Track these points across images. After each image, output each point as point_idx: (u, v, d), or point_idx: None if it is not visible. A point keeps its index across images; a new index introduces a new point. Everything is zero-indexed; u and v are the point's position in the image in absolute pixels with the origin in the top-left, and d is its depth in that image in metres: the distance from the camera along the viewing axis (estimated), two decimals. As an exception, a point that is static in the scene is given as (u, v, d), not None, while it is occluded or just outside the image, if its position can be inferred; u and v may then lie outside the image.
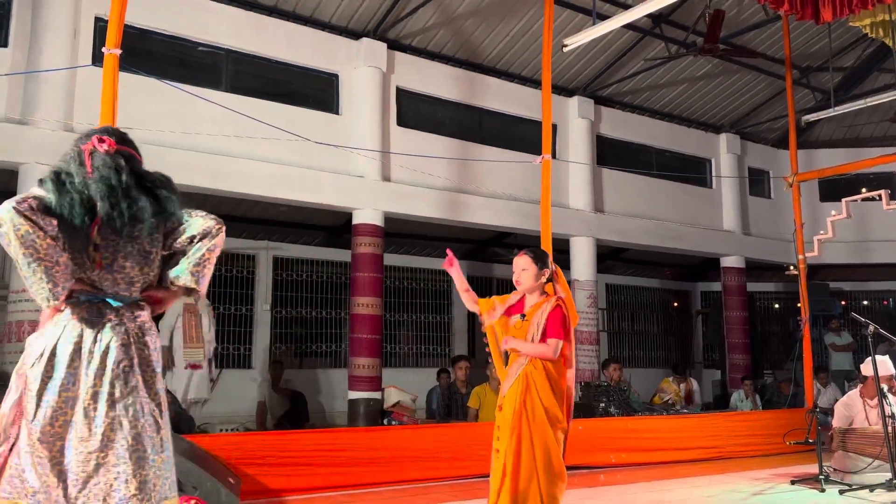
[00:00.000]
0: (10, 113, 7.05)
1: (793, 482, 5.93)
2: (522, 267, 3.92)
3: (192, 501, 3.74)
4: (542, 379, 3.75)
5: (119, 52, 4.91)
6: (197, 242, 2.49)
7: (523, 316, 3.90)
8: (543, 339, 3.78)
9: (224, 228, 2.55)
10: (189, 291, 2.49)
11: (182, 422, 5.08)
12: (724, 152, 12.83)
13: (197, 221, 2.51)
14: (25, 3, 7.31)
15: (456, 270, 4.07)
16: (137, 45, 7.51)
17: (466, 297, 4.09)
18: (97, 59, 7.30)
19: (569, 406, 3.83)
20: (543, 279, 3.93)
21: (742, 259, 12.53)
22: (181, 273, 2.47)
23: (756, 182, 13.43)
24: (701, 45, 9.59)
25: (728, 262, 12.52)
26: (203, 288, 2.50)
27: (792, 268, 8.81)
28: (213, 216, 2.56)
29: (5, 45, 7.23)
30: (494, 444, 3.80)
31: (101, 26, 7.49)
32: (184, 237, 2.48)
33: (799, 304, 8.75)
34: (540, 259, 3.95)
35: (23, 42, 7.27)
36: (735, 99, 12.23)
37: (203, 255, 2.50)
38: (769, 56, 10.91)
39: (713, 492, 5.60)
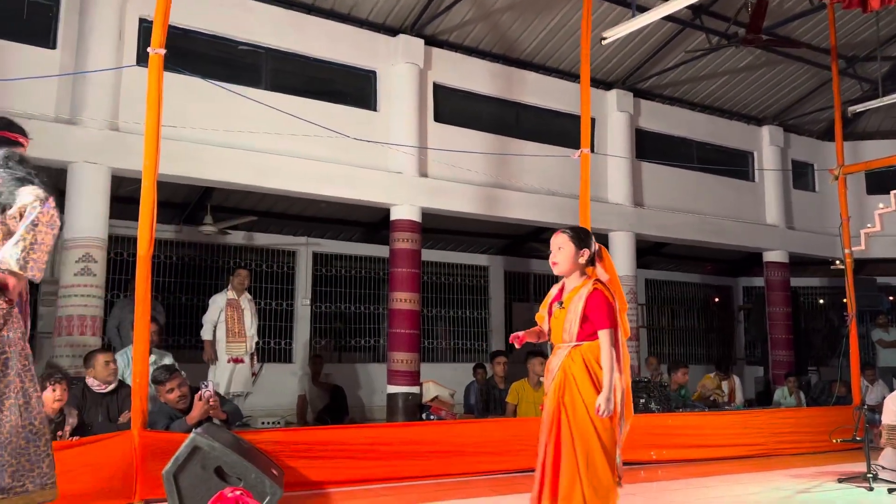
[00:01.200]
0: (60, 113, 7.24)
1: (840, 480, 5.81)
2: (559, 245, 3.58)
3: (238, 492, 3.81)
4: (581, 372, 3.43)
5: (163, 51, 5.01)
6: (21, 221, 2.37)
7: (561, 304, 3.57)
8: (583, 327, 3.45)
9: (47, 203, 2.34)
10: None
11: (232, 415, 5.17)
12: (766, 145, 12.59)
13: (22, 196, 2.39)
14: (73, 6, 7.49)
15: (525, 338, 3.70)
16: (180, 45, 7.64)
17: (541, 334, 3.73)
18: (142, 59, 7.45)
19: (625, 406, 3.44)
20: (583, 260, 3.56)
21: (785, 254, 12.29)
22: (5, 256, 2.36)
23: (800, 175, 13.15)
24: (743, 35, 9.42)
25: (771, 256, 12.29)
26: (30, 274, 2.32)
27: (838, 262, 8.61)
28: (40, 187, 2.39)
29: (54, 46, 7.41)
30: (539, 448, 3.54)
31: (145, 27, 7.65)
32: (13, 212, 2.38)
33: (845, 300, 8.56)
34: (579, 237, 3.59)
35: (70, 44, 7.45)
36: (778, 90, 11.99)
37: (21, 235, 2.35)
38: (814, 46, 10.67)
39: (756, 489, 5.52)
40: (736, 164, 12.35)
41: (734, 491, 5.48)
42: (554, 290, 3.74)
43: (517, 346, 3.74)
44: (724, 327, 15.00)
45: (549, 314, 3.67)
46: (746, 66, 11.22)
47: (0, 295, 2.45)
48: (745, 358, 14.70)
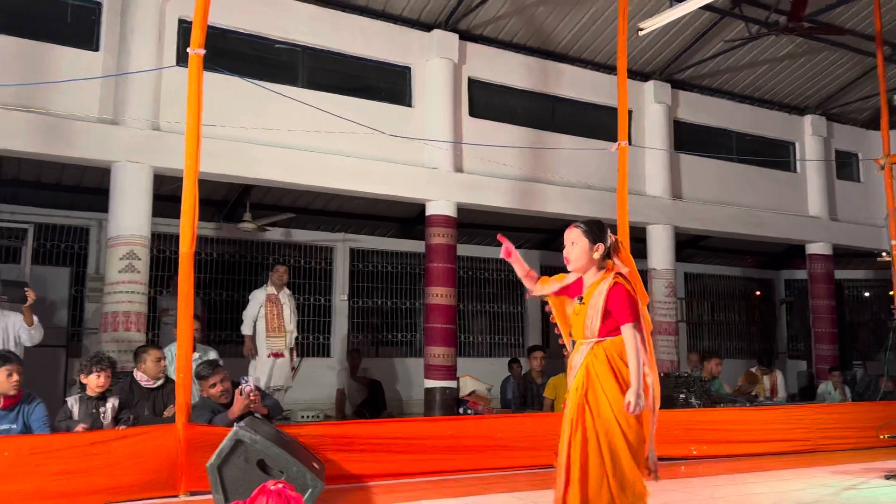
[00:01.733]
0: (103, 114, 7.40)
1: (887, 477, 5.68)
2: (572, 240, 3.42)
3: (280, 485, 3.86)
4: (604, 369, 3.28)
5: (203, 52, 5.09)
6: None
7: (580, 300, 3.42)
8: (605, 322, 3.30)
9: None
10: None
11: (272, 409, 5.25)
12: (808, 135, 12.32)
13: None
14: (114, 9, 7.65)
15: (515, 258, 3.62)
16: (218, 45, 7.74)
17: (528, 281, 3.64)
18: (181, 59, 7.59)
19: (654, 400, 3.31)
20: (597, 255, 3.40)
21: (829, 246, 12.03)
22: None
23: (844, 165, 12.85)
24: (784, 23, 9.22)
25: (814, 248, 12.03)
26: None
27: (884, 254, 8.42)
28: None
29: (97, 49, 7.58)
30: (558, 447, 3.37)
31: (184, 28, 7.77)
32: None
33: (891, 293, 8.35)
34: (592, 231, 3.43)
35: (112, 46, 7.61)
36: (821, 79, 11.72)
37: None
38: (858, 32, 10.39)
39: (801, 486, 5.43)
40: (777, 155, 12.11)
41: (777, 487, 5.39)
42: (570, 278, 3.56)
43: (507, 255, 3.61)
44: (766, 321, 14.74)
45: (564, 300, 3.54)
46: (787, 54, 10.99)
47: None
48: (787, 352, 14.43)
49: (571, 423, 3.30)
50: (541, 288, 3.61)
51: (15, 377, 4.68)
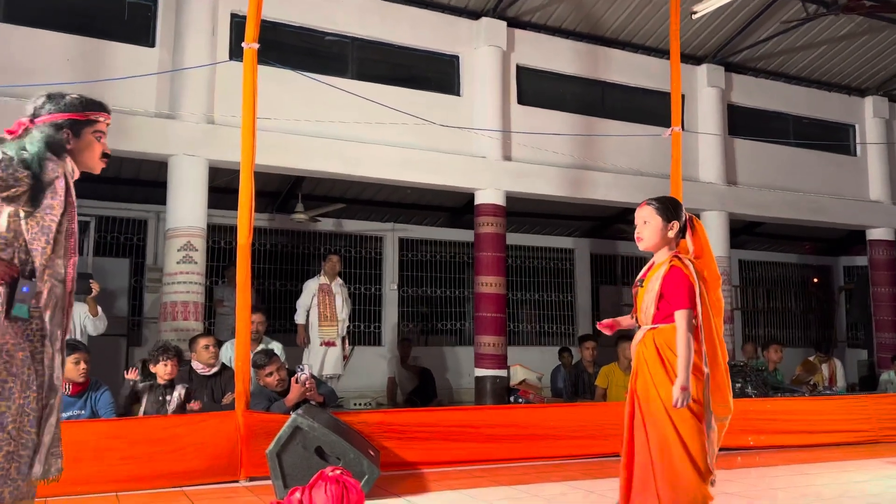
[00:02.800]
0: (160, 108, 7.58)
1: (955, 470, 5.51)
2: (644, 219, 3.27)
3: (338, 471, 3.93)
4: (653, 358, 3.13)
5: (257, 45, 5.17)
6: None
7: (641, 282, 3.28)
8: (659, 307, 3.16)
9: None
10: None
11: (328, 397, 5.35)
12: (869, 116, 11.91)
13: None
14: (169, 5, 7.81)
15: (615, 326, 3.49)
16: (270, 38, 7.84)
17: (628, 320, 3.49)
18: (234, 54, 7.72)
19: (717, 390, 3.15)
20: (672, 233, 3.23)
21: (891, 231, 11.64)
22: None
23: (907, 148, 12.41)
24: (844, 2, 8.93)
25: (875, 234, 11.66)
26: None
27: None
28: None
29: (153, 45, 7.76)
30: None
31: (237, 22, 7.90)
32: None
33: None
34: (667, 208, 3.25)
35: (168, 42, 7.78)
36: (882, 58, 11.30)
37: None
38: (922, 9, 10.00)
39: (864, 477, 5.30)
40: (836, 138, 11.75)
41: (839, 479, 5.27)
42: (645, 268, 3.41)
43: (608, 333, 3.52)
44: (824, 309, 14.35)
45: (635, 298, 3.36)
46: (847, 34, 10.63)
47: None
48: (846, 341, 14.04)
49: (625, 418, 3.22)
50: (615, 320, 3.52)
51: (83, 365, 4.86)
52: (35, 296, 2.37)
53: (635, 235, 3.33)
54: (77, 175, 2.62)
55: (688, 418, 3.02)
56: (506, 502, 4.43)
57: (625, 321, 3.49)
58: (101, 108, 2.65)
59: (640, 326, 3.31)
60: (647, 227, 3.26)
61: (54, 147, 2.49)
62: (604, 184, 9.57)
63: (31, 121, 2.52)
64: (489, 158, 9.01)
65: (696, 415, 3.03)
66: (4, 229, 2.38)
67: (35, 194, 2.41)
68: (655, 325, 3.18)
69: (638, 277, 3.38)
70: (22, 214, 2.40)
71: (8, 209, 2.38)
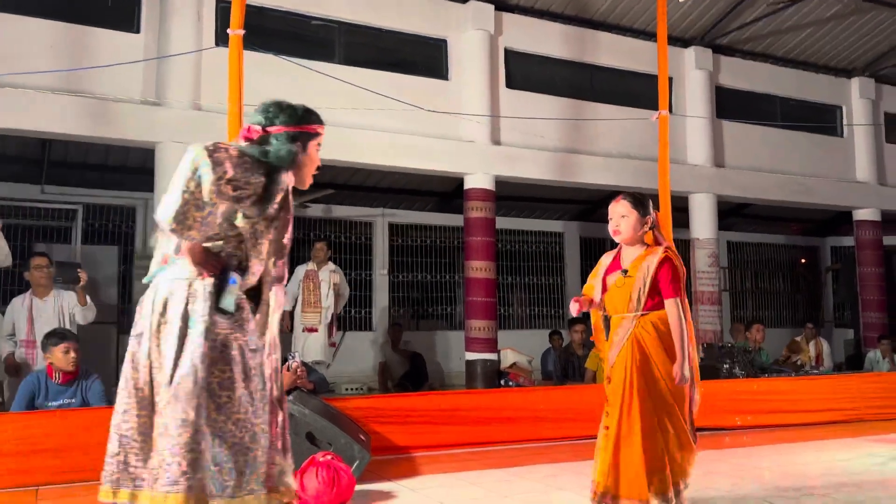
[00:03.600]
0: (146, 95, 7.53)
1: (937, 447, 5.61)
2: (622, 213, 3.50)
3: (328, 456, 3.97)
4: (654, 343, 3.38)
5: (243, 32, 5.14)
6: None
7: (625, 272, 3.48)
8: (651, 296, 3.39)
9: (189, 150, 2.35)
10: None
11: (318, 384, 5.36)
12: (856, 98, 11.96)
13: None
14: (154, -9, 7.74)
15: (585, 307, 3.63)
16: (255, 23, 7.76)
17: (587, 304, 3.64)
18: (220, 39, 7.67)
19: (695, 371, 3.43)
20: (645, 228, 3.50)
21: (877, 211, 11.73)
22: None
23: (893, 128, 12.46)
24: (830, -17, 8.93)
25: (862, 214, 11.75)
26: (159, 216, 2.32)
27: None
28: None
29: (138, 31, 7.69)
30: (603, 421, 3.49)
31: (222, 7, 7.83)
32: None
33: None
34: (641, 204, 3.51)
35: (153, 28, 7.71)
36: (869, 39, 11.32)
37: None
38: (909, -10, 10.04)
39: (847, 456, 5.38)
40: (823, 120, 11.80)
41: (823, 457, 5.35)
42: (605, 261, 3.65)
43: (580, 310, 3.61)
44: (811, 289, 14.48)
45: (604, 285, 3.57)
46: (834, 15, 10.64)
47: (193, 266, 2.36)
48: (833, 320, 14.18)
49: (624, 397, 3.37)
50: (594, 305, 3.63)
51: (72, 354, 4.85)
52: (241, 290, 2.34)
53: (612, 229, 3.54)
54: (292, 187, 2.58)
55: (681, 395, 3.40)
56: (497, 484, 4.48)
57: (585, 304, 3.63)
58: (322, 120, 2.67)
59: (605, 314, 3.58)
60: (626, 221, 3.49)
61: (291, 159, 2.50)
62: (593, 167, 9.58)
63: (265, 129, 2.51)
64: (478, 143, 9.00)
65: (686, 392, 3.43)
66: (218, 224, 2.34)
67: (261, 202, 2.39)
68: (647, 312, 3.42)
69: (599, 268, 3.64)
70: (239, 216, 2.36)
71: (225, 205, 2.33)
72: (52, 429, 4.52)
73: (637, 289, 3.42)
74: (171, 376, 2.24)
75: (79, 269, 5.99)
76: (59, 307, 5.94)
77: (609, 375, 3.49)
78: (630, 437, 3.33)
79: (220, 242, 2.36)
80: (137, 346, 2.30)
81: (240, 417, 2.25)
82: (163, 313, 2.29)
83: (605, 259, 3.67)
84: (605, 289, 3.59)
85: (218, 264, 2.35)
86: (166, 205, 2.30)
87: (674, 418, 3.38)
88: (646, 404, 3.35)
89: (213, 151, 2.34)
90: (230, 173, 2.32)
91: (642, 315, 3.42)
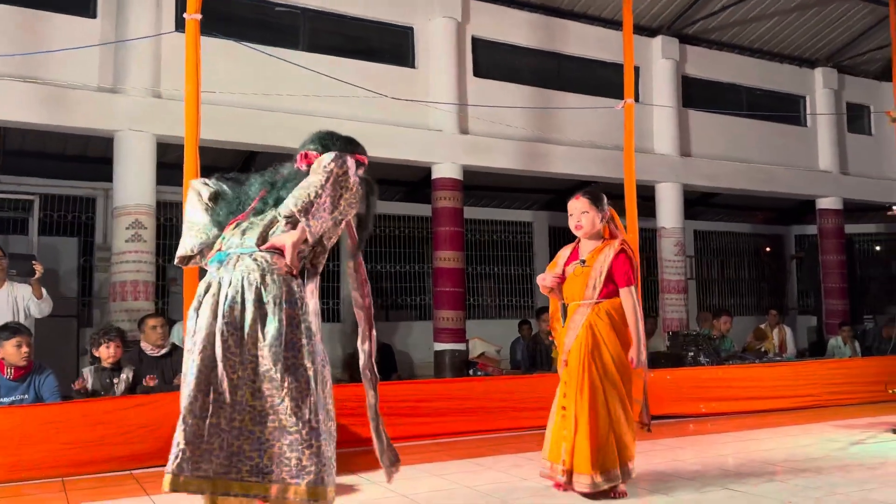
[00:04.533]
0: (103, 82, 7.34)
1: (895, 431, 5.69)
2: (582, 210, 3.76)
3: (289, 450, 3.89)
4: (607, 328, 3.64)
5: (199, 16, 5.01)
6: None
7: (583, 262, 3.75)
8: (607, 285, 3.65)
9: (342, 158, 2.59)
10: None
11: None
12: (819, 88, 12.11)
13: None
14: (110, -26, 7.53)
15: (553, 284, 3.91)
16: (218, 9, 7.62)
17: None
18: (180, 25, 7.47)
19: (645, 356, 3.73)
20: (604, 222, 3.79)
21: (840, 200, 11.91)
22: (286, 202, 2.59)
23: (855, 118, 12.65)
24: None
25: (824, 203, 11.92)
26: (308, 222, 2.49)
27: (895, 208, 8.32)
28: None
29: (94, 16, 7.49)
30: (560, 402, 3.74)
31: (182, -8, 7.65)
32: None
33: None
34: (599, 200, 3.79)
35: (110, 12, 7.52)
36: (832, 30, 11.47)
37: (306, 182, 2.61)
38: (870, -19, 10.15)
39: (808, 441, 5.45)
40: (787, 109, 11.93)
41: (786, 443, 5.41)
42: (564, 253, 3.91)
43: (547, 286, 3.87)
44: (776, 277, 14.68)
45: (563, 276, 3.83)
46: (798, 5, 10.75)
47: (280, 259, 2.49)
48: (797, 308, 14.40)
49: (577, 379, 3.63)
50: (554, 295, 3.92)
51: (24, 348, 4.71)
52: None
53: (574, 225, 3.80)
54: None
55: (630, 378, 3.69)
56: (461, 475, 4.45)
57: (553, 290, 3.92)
58: (366, 151, 2.87)
59: (563, 302, 3.84)
60: (586, 218, 3.76)
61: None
62: (560, 157, 9.58)
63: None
64: (445, 132, 8.94)
65: (635, 376, 3.74)
66: (315, 236, 2.49)
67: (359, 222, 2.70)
68: (601, 300, 3.69)
69: (559, 260, 3.91)
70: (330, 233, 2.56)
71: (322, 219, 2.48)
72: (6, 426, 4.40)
73: (594, 278, 3.67)
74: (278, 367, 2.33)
75: (34, 262, 5.82)
76: (13, 300, 5.77)
77: (566, 359, 3.73)
78: (582, 416, 3.58)
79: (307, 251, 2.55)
80: (225, 334, 2.36)
81: (329, 409, 2.42)
82: (259, 303, 2.39)
83: (564, 251, 3.92)
84: (563, 279, 3.83)
85: (295, 266, 2.52)
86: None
87: (622, 401, 3.63)
88: (596, 387, 3.60)
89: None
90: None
91: (597, 303, 3.67)
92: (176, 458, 2.25)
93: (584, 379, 3.61)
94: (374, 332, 2.79)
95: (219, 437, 2.29)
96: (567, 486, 3.69)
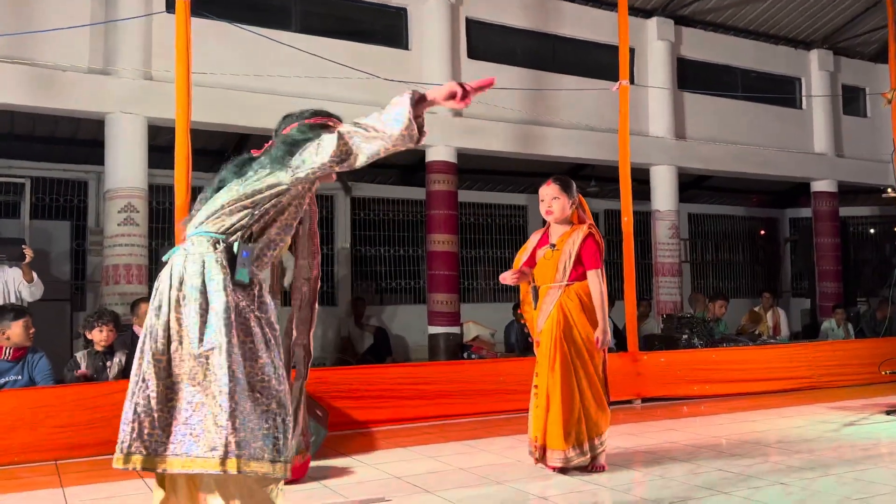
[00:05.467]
0: (93, 64, 7.26)
1: (888, 412, 5.72)
2: (553, 196, 3.90)
3: (283, 433, 3.88)
4: (577, 309, 3.82)
5: (190, -4, 4.94)
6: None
7: (553, 246, 3.90)
8: (576, 268, 3.83)
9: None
10: None
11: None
12: (815, 70, 12.06)
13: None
14: (100, -46, 7.43)
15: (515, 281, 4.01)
16: (208, -10, 7.55)
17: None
18: (170, 5, 7.37)
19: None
20: (572, 207, 3.94)
21: (834, 183, 11.90)
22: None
23: (850, 100, 12.61)
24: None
25: (819, 186, 11.91)
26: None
27: (890, 190, 8.32)
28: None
29: (84, -4, 7.38)
30: (534, 381, 3.90)
31: (172, -28, 7.55)
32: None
33: (896, 229, 8.29)
34: (569, 187, 3.95)
35: (100, -8, 7.42)
36: (828, 11, 11.40)
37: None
38: (867, -39, 10.08)
39: (802, 423, 5.47)
40: (783, 92, 11.89)
41: (779, 425, 5.44)
42: (535, 238, 4.05)
43: (514, 282, 3.98)
44: (770, 260, 14.70)
45: (533, 259, 3.98)
46: (795, -14, 10.68)
47: (221, 238, 2.35)
48: (791, 290, 14.44)
49: (549, 358, 3.80)
50: (524, 281, 4.06)
51: (31, 329, 4.75)
52: (255, 260, 2.35)
53: (544, 210, 3.93)
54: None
55: (600, 356, 3.87)
56: (455, 457, 4.45)
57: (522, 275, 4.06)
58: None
59: (534, 285, 3.98)
60: (557, 203, 3.90)
61: None
62: (555, 139, 9.54)
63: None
64: (439, 114, 8.87)
65: (603, 353, 3.90)
66: (248, 194, 2.34)
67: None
68: (571, 283, 3.86)
69: (529, 245, 4.06)
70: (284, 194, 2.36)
71: (274, 177, 2.35)
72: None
73: (563, 261, 3.84)
74: (197, 347, 2.25)
75: (24, 246, 5.78)
76: (4, 284, 5.75)
77: (538, 340, 3.91)
78: (554, 394, 3.75)
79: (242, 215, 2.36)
80: (156, 319, 2.31)
81: (265, 385, 2.28)
82: (179, 287, 2.31)
83: (534, 237, 4.07)
84: (534, 263, 3.98)
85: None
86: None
87: (591, 379, 3.82)
88: (567, 365, 3.77)
89: None
90: None
91: (567, 285, 3.85)
92: (127, 435, 2.26)
93: (555, 357, 3.77)
94: (316, 307, 2.78)
95: (163, 414, 2.28)
96: (540, 461, 3.86)
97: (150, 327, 2.32)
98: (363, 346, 9.78)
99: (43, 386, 4.73)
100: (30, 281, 5.75)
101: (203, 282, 2.29)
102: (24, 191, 8.54)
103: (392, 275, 11.48)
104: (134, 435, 2.22)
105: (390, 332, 10.22)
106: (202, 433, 2.20)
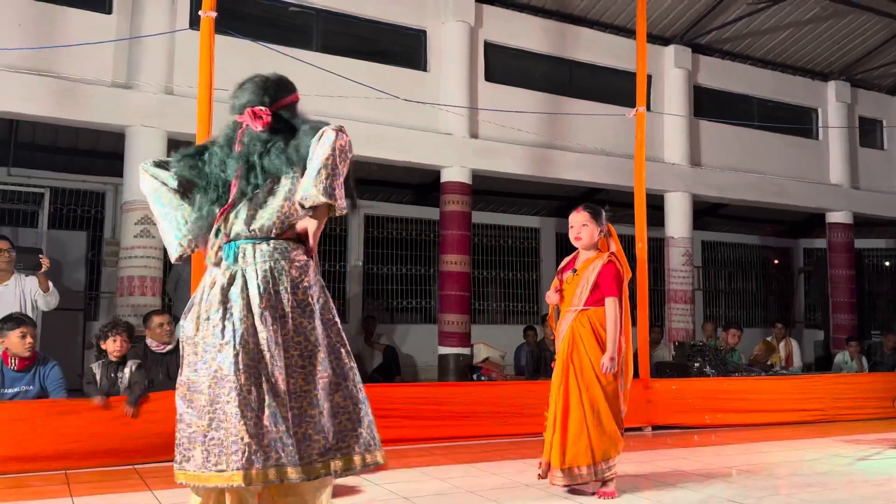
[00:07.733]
0: (116, 78, 7.37)
1: (902, 448, 5.65)
2: (582, 223, 3.98)
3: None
4: (588, 334, 3.87)
5: (215, 14, 5.02)
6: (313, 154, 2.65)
7: (575, 271, 3.98)
8: (593, 293, 3.86)
9: (340, 132, 2.60)
10: None
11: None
12: (832, 101, 12.06)
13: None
14: (127, -30, 7.56)
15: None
16: (232, 8, 7.64)
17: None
18: (194, 22, 7.49)
19: (625, 363, 3.90)
20: (601, 235, 4.01)
21: (850, 214, 11.85)
22: (307, 192, 2.53)
23: (868, 132, 12.59)
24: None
25: (834, 217, 11.86)
26: (339, 204, 2.48)
27: (906, 223, 8.27)
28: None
29: (109, 11, 7.51)
30: (549, 401, 3.98)
31: (197, -10, 7.68)
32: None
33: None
34: (598, 215, 4.01)
35: (125, 8, 7.55)
36: (846, 43, 11.42)
37: (319, 164, 2.59)
38: (886, -5, 10.11)
39: (814, 455, 5.40)
40: (799, 122, 11.88)
41: (791, 457, 5.37)
42: (565, 262, 4.14)
43: (556, 302, 4.09)
44: (783, 290, 14.61)
45: (561, 283, 4.06)
46: (812, 17, 10.71)
47: (298, 245, 2.50)
48: (804, 321, 14.33)
49: (559, 379, 3.88)
50: (552, 300, 4.14)
51: (29, 339, 4.72)
52: None
53: (573, 236, 4.01)
54: None
55: (611, 382, 3.86)
56: (464, 479, 4.43)
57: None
58: None
59: (560, 308, 4.05)
60: (586, 230, 3.98)
61: None
62: (570, 163, 9.56)
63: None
64: (455, 135, 8.93)
65: (616, 382, 3.88)
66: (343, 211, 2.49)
67: None
68: (587, 307, 3.90)
69: (560, 266, 4.14)
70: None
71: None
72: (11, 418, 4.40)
73: (581, 286, 3.90)
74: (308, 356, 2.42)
75: (40, 255, 5.84)
76: (21, 293, 5.78)
77: (553, 361, 4.02)
78: (559, 414, 3.83)
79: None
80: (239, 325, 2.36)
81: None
82: (280, 289, 2.41)
83: (565, 261, 4.15)
84: (561, 286, 4.06)
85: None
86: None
87: (598, 404, 3.82)
88: (572, 388, 3.83)
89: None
90: None
91: (583, 310, 3.90)
92: (243, 453, 2.26)
93: (563, 380, 3.86)
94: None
95: (283, 424, 2.31)
96: (544, 478, 3.93)
97: (247, 334, 2.38)
98: (372, 364, 9.77)
99: (55, 396, 4.75)
100: (45, 290, 5.79)
101: (314, 284, 2.50)
102: (44, 200, 8.64)
103: (403, 294, 11.49)
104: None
105: (400, 351, 10.21)
106: (347, 432, 2.47)
